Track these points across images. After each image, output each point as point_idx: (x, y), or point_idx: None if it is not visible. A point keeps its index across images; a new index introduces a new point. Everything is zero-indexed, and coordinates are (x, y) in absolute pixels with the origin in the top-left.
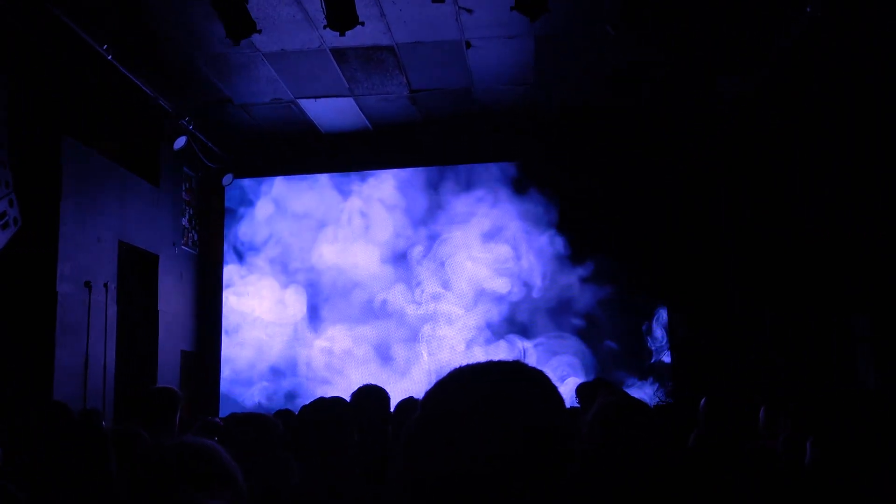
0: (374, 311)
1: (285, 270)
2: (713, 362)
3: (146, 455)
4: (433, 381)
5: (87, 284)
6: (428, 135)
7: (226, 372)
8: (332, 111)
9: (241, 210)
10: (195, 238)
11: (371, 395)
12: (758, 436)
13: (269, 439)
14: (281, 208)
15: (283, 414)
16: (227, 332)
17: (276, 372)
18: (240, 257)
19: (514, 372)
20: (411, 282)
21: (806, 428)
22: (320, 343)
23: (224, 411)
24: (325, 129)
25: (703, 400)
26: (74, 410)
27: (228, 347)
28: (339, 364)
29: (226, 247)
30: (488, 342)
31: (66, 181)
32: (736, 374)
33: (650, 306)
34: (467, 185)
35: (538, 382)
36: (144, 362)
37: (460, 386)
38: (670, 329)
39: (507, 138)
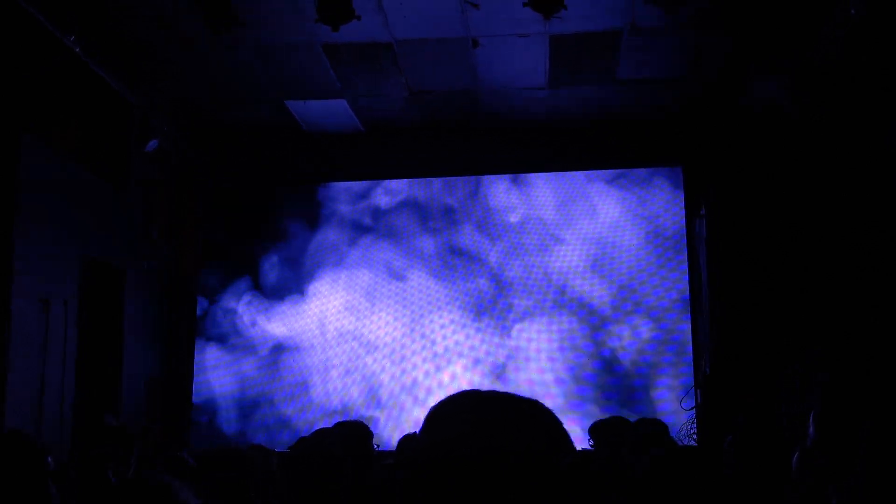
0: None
1: None
2: (742, 400)
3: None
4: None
5: (45, 302)
6: (427, 141)
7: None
8: (321, 113)
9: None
10: (167, 252)
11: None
12: (790, 483)
13: (243, 483)
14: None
15: (259, 450)
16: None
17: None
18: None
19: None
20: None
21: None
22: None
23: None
24: (313, 134)
25: (728, 438)
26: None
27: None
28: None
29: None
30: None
31: (24, 184)
32: (769, 413)
33: None
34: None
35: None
36: (107, 390)
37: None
38: (696, 367)
39: (515, 148)
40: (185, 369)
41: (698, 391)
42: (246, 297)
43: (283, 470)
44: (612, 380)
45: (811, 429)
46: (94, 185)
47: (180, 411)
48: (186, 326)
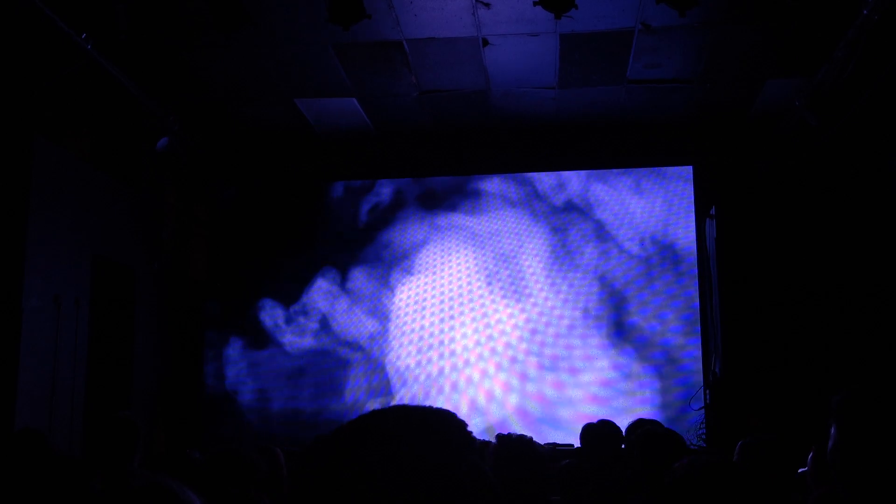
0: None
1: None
2: (754, 403)
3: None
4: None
5: (57, 300)
6: (437, 140)
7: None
8: (331, 112)
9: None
10: (176, 251)
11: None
12: (803, 488)
13: (246, 483)
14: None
15: (264, 450)
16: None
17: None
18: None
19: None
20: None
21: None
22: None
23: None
24: (323, 133)
25: (738, 444)
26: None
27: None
28: None
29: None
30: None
31: (36, 184)
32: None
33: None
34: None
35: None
36: (118, 388)
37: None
38: (706, 367)
39: (525, 147)
40: (195, 367)
41: (707, 391)
42: (258, 295)
43: (290, 467)
44: (620, 378)
45: (833, 430)
46: (105, 184)
47: (190, 409)
48: (196, 325)
